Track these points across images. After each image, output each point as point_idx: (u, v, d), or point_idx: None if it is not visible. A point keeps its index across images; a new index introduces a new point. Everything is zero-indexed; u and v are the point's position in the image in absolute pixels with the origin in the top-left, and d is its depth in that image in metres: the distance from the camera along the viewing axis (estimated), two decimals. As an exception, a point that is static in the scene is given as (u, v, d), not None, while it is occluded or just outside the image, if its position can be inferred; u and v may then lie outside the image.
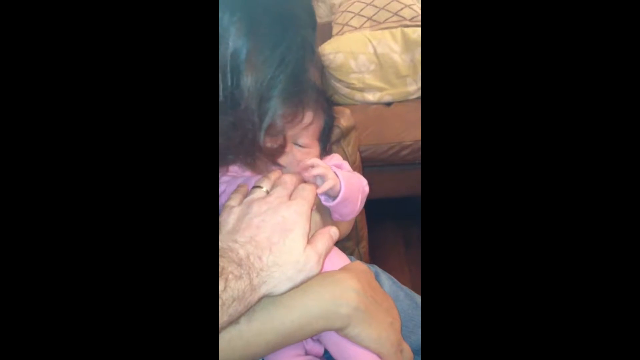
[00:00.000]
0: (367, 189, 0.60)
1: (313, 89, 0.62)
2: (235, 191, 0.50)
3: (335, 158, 0.64)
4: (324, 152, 0.63)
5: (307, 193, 0.47)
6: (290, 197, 0.47)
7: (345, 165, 0.62)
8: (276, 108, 0.40)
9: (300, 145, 0.58)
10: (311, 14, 0.45)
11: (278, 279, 0.41)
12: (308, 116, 0.58)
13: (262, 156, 0.46)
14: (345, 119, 0.77)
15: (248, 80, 0.38)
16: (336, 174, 0.53)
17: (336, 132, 0.76)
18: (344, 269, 0.50)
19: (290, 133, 0.57)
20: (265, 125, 0.40)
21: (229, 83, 0.37)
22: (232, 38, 0.37)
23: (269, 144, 0.44)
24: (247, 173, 0.57)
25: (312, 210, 0.48)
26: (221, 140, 0.37)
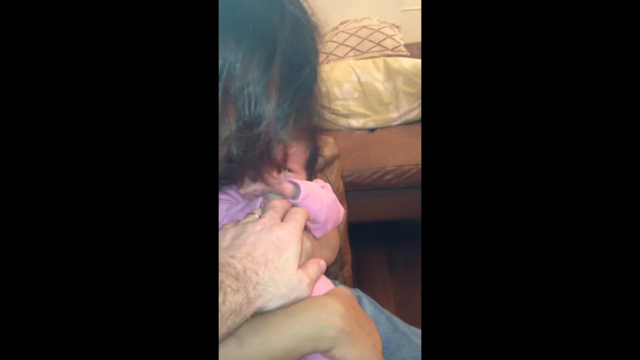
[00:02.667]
0: (332, 195, 0.63)
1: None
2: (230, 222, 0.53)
3: (318, 182, 0.67)
4: (309, 180, 0.66)
5: (299, 216, 0.50)
6: (282, 220, 0.49)
7: (328, 187, 0.66)
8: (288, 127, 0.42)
9: (290, 171, 0.61)
10: (316, 47, 0.47)
11: (272, 294, 0.43)
12: (298, 144, 0.62)
13: (271, 167, 0.47)
14: (329, 149, 0.80)
15: (268, 106, 0.40)
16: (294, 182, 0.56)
17: (320, 161, 0.80)
18: (329, 293, 0.53)
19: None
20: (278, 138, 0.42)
21: (246, 111, 0.39)
22: (250, 72, 0.39)
23: (279, 156, 0.45)
24: (242, 202, 0.60)
25: (302, 233, 0.51)
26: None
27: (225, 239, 0.46)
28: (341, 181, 0.83)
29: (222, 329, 0.39)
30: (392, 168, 1.55)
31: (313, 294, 0.56)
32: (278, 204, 0.51)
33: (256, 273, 0.42)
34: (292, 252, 0.45)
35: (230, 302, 0.39)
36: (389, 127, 1.90)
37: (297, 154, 0.62)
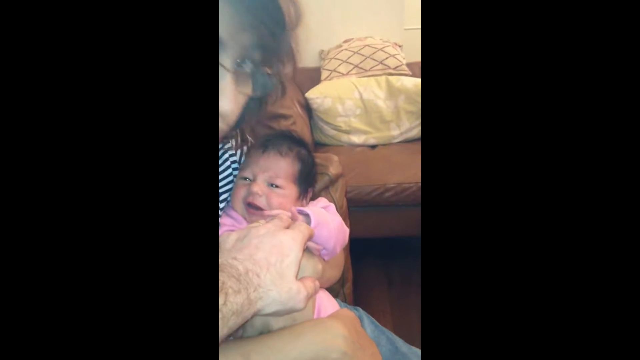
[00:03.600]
0: (338, 218, 0.64)
1: (286, 137, 0.68)
2: None
3: (322, 202, 0.69)
4: (304, 194, 0.67)
5: (303, 227, 0.50)
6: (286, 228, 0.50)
7: (331, 207, 0.67)
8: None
9: (276, 186, 0.63)
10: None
11: (272, 298, 0.43)
12: (277, 160, 0.64)
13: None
14: (334, 167, 0.82)
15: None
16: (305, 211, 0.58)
17: (325, 180, 0.82)
18: (332, 316, 0.54)
19: (262, 176, 0.63)
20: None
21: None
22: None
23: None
24: (245, 224, 0.62)
25: (304, 246, 0.52)
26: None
27: (228, 241, 0.47)
28: (345, 200, 0.85)
29: (223, 330, 0.39)
30: (392, 185, 1.57)
31: (319, 315, 0.57)
32: (284, 216, 0.52)
33: (258, 275, 0.43)
34: (293, 259, 0.46)
35: (231, 302, 0.39)
36: (390, 144, 1.92)
37: (281, 167, 0.64)
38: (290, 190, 0.64)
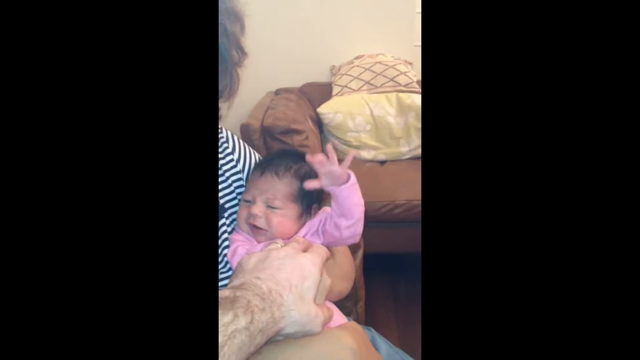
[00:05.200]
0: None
1: (285, 156, 0.69)
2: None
3: (327, 210, 0.70)
4: (307, 211, 0.68)
5: (321, 250, 0.52)
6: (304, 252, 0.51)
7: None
8: None
9: (273, 208, 0.65)
10: None
11: (293, 318, 0.44)
12: (274, 182, 0.65)
13: None
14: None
15: None
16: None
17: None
18: (341, 327, 0.55)
19: (261, 199, 0.65)
20: None
21: None
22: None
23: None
24: (254, 241, 0.63)
25: (322, 271, 0.53)
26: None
27: (250, 262, 0.48)
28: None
29: (250, 348, 0.39)
30: (402, 202, 1.58)
31: (327, 327, 0.58)
32: (301, 239, 0.54)
33: (280, 295, 0.44)
34: (312, 282, 0.47)
35: (257, 321, 0.40)
36: (399, 160, 1.94)
37: (279, 189, 0.65)
38: (290, 209, 0.66)
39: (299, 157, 0.70)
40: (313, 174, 0.69)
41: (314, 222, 0.67)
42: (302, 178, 0.67)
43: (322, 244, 0.62)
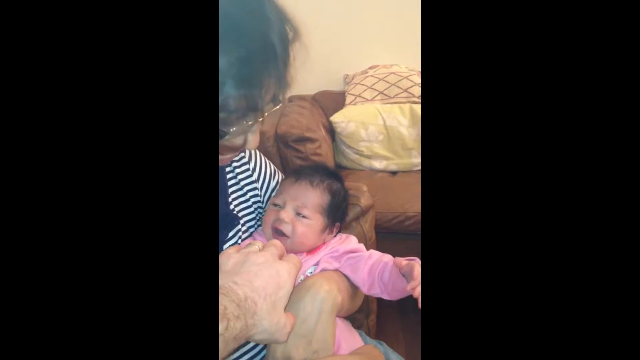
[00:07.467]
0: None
1: (319, 169, 0.70)
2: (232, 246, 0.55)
3: (352, 242, 0.70)
4: (330, 227, 0.69)
5: (296, 260, 0.52)
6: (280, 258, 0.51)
7: (361, 247, 0.69)
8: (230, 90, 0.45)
9: (302, 216, 0.65)
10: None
11: (262, 327, 0.45)
12: (307, 190, 0.66)
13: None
14: (365, 198, 0.83)
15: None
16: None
17: (356, 211, 0.83)
18: (357, 352, 0.55)
19: (291, 204, 0.65)
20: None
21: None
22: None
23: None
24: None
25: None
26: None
27: (228, 263, 0.48)
28: (374, 232, 0.86)
29: (224, 353, 0.41)
30: (413, 214, 1.57)
31: (339, 347, 0.58)
32: (278, 244, 0.53)
33: (255, 303, 0.44)
34: (286, 292, 0.48)
35: (232, 328, 0.41)
36: (411, 171, 1.93)
37: (310, 197, 0.66)
38: (317, 221, 0.66)
39: (332, 173, 0.71)
40: (342, 194, 0.70)
41: (335, 246, 0.67)
42: (334, 194, 0.68)
43: (339, 270, 0.63)
